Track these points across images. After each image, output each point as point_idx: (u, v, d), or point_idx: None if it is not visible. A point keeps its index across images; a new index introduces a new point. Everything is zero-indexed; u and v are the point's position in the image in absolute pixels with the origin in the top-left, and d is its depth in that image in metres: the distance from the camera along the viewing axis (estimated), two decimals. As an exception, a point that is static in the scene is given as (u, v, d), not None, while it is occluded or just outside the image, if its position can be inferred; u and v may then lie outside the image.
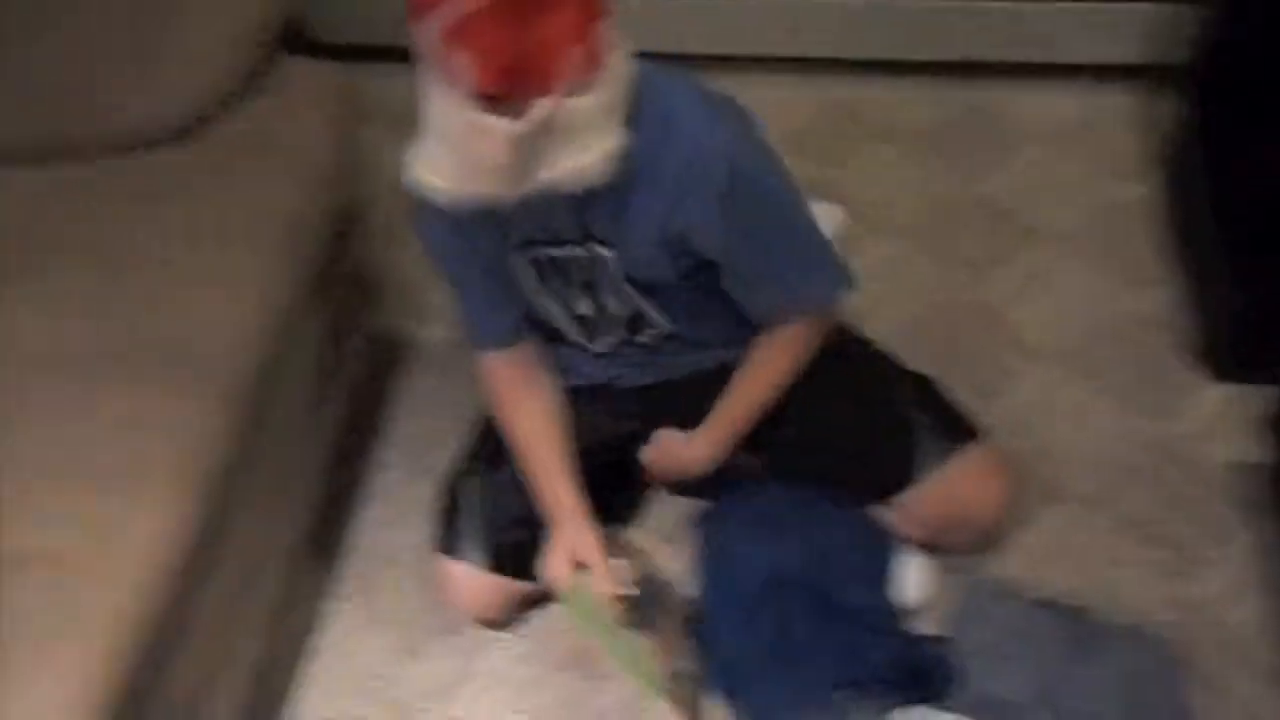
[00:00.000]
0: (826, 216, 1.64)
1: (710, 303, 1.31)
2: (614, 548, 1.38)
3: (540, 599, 1.51)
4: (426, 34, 0.98)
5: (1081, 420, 1.68)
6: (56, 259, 1.37)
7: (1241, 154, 1.71)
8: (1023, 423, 1.67)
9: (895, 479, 1.40)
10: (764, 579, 1.40)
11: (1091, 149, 2.05)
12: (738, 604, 1.40)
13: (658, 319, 1.33)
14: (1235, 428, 1.64)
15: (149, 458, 1.20)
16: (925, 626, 1.43)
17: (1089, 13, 2.03)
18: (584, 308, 1.32)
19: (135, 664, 1.09)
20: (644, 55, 1.13)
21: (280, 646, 1.49)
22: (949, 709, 1.31)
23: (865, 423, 1.43)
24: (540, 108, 0.99)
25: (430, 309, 1.94)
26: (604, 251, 1.23)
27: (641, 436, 1.49)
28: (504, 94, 0.98)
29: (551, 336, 1.41)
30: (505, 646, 1.52)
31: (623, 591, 1.33)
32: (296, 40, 1.67)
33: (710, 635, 1.41)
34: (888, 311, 1.81)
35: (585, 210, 1.18)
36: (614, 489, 1.49)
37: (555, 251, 1.25)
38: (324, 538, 1.65)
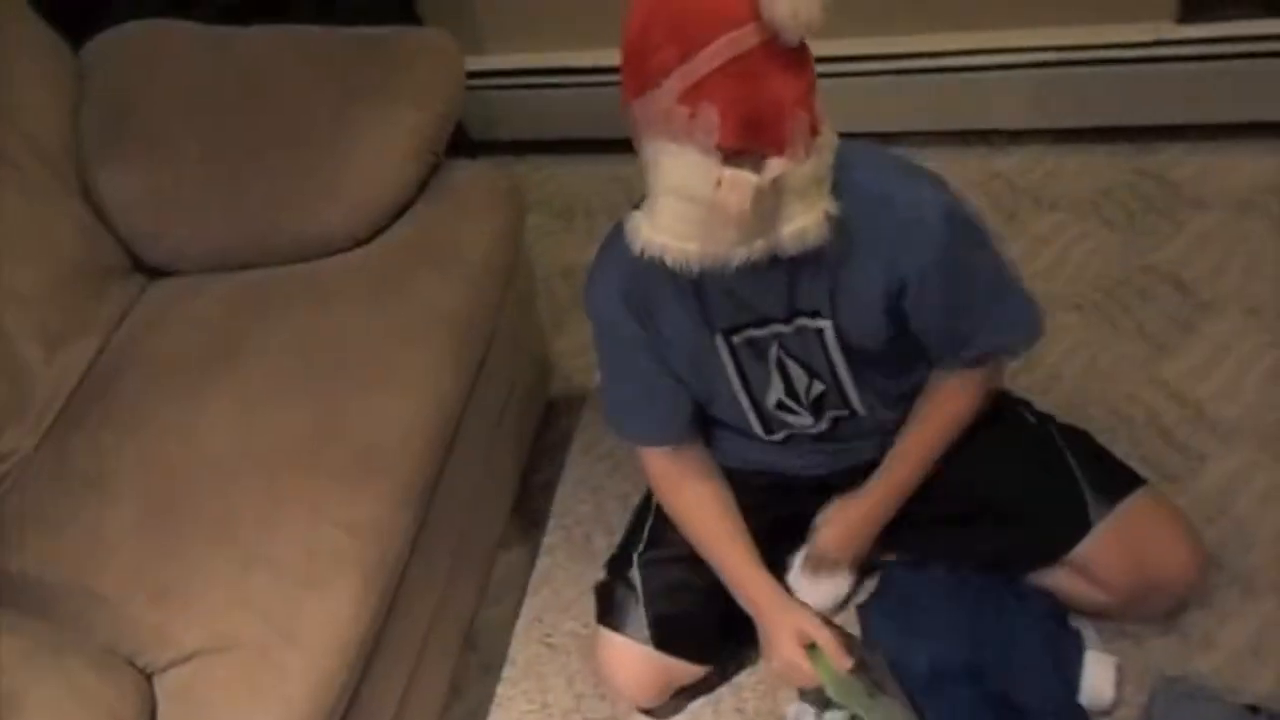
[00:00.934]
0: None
1: (900, 378, 1.35)
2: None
3: (698, 686, 1.50)
4: (660, 99, 1.03)
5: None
6: (248, 359, 1.48)
7: None
8: (1216, 508, 1.57)
9: (1068, 532, 1.36)
10: (925, 675, 1.35)
11: (1278, 213, 1.94)
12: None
13: (851, 395, 1.34)
14: None
15: (330, 551, 1.27)
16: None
17: (1274, 69, 1.93)
18: (774, 394, 1.34)
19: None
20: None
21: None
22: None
23: (1033, 478, 1.40)
24: (775, 165, 1.04)
25: (593, 396, 1.98)
26: (818, 323, 1.26)
27: (802, 520, 1.47)
28: (745, 147, 1.03)
29: (721, 425, 1.42)
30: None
31: (857, 660, 1.32)
32: (461, 141, 1.76)
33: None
34: (1062, 386, 1.75)
35: (799, 283, 1.22)
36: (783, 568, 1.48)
37: (756, 332, 1.28)
38: (492, 622, 1.69)
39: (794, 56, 1.04)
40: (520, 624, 1.70)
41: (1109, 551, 1.35)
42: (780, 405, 1.35)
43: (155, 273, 1.70)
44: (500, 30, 2.33)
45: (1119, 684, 1.37)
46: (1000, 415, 1.43)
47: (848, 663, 1.31)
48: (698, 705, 1.52)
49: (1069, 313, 1.86)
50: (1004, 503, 1.40)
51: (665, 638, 1.43)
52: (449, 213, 1.62)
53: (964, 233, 1.22)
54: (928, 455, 1.37)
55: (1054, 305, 1.88)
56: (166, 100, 1.68)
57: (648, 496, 1.51)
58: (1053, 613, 1.40)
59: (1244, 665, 1.41)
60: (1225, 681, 1.39)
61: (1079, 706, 1.35)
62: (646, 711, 1.52)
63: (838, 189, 1.12)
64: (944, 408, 1.36)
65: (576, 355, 2.05)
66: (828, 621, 1.39)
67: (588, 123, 2.39)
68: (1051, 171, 2.13)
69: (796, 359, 1.30)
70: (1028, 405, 1.49)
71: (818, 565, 1.43)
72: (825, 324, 1.26)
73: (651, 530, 1.49)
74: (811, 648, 1.32)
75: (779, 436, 1.40)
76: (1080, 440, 1.44)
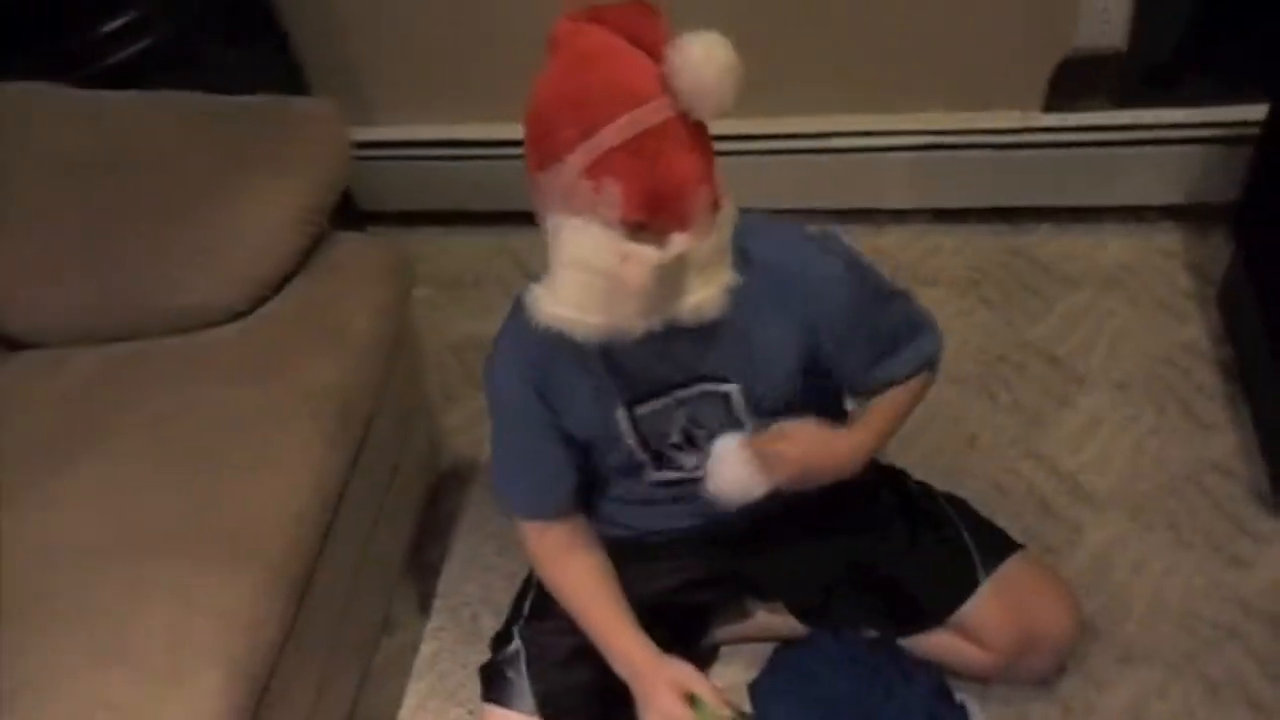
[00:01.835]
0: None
1: None
2: None
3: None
4: (563, 173, 1.03)
5: (1153, 573, 1.61)
6: (114, 437, 1.40)
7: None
8: (1094, 577, 1.61)
9: (957, 593, 1.40)
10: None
11: (1139, 292, 2.03)
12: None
13: None
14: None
15: (195, 642, 1.20)
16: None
17: (1133, 157, 2.04)
18: (678, 459, 1.34)
19: None
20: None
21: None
22: None
23: (923, 541, 1.44)
24: (678, 242, 1.05)
25: (483, 473, 1.94)
26: (723, 388, 1.27)
27: (697, 585, 1.48)
28: (648, 221, 1.04)
29: (609, 494, 1.42)
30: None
31: (739, 710, 1.32)
32: (347, 211, 1.73)
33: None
34: (943, 459, 1.79)
35: (704, 350, 1.23)
36: (669, 644, 1.44)
37: (659, 402, 1.28)
38: (374, 710, 1.62)
39: (697, 132, 1.06)
40: (403, 712, 1.63)
41: (993, 610, 1.39)
42: (674, 446, 1.35)
43: (15, 344, 1.61)
44: (390, 101, 2.32)
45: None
46: (884, 483, 1.48)
47: (728, 713, 1.29)
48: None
49: (949, 386, 1.91)
50: (896, 565, 1.43)
51: (551, 710, 1.40)
52: (332, 286, 1.58)
53: (868, 277, 1.29)
54: (896, 418, 1.37)
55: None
56: (35, 165, 1.60)
57: (530, 572, 1.49)
58: (939, 689, 1.41)
59: (1123, 734, 1.44)
60: (1106, 751, 1.41)
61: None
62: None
63: (743, 258, 1.15)
64: (894, 402, 1.37)
65: (466, 430, 2.01)
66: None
67: (477, 195, 2.38)
68: (931, 249, 2.20)
69: (697, 421, 1.31)
70: (907, 475, 1.54)
71: (759, 453, 1.24)
72: (732, 388, 1.27)
73: (533, 603, 1.47)
74: (691, 699, 1.30)
75: (670, 476, 1.38)
76: (961, 506, 1.49)
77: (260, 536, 1.29)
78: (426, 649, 1.70)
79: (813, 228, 1.31)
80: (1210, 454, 1.75)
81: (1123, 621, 1.56)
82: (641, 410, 1.29)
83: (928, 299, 2.07)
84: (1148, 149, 2.02)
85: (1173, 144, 2.01)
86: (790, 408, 1.30)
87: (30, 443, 1.42)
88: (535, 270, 1.13)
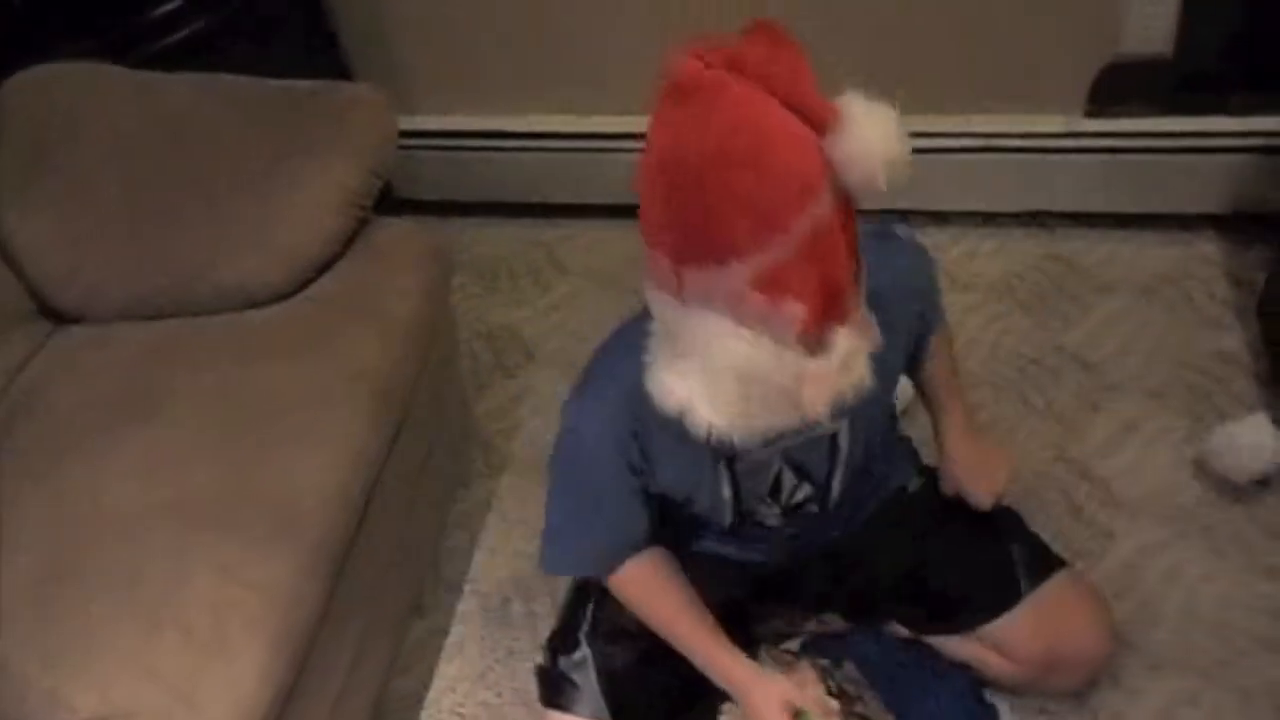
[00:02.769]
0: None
1: (882, 463, 1.41)
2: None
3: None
4: (728, 278, 0.90)
5: (1185, 582, 1.60)
6: (160, 411, 1.42)
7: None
8: (1124, 584, 1.61)
9: (994, 608, 1.38)
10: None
11: (1177, 300, 2.03)
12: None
13: (834, 493, 1.31)
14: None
15: (237, 615, 1.21)
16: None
17: (1176, 164, 2.03)
18: (756, 497, 1.29)
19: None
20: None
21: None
22: None
23: (972, 555, 1.42)
24: (843, 340, 0.95)
25: (514, 460, 1.95)
26: (832, 426, 1.18)
27: (746, 607, 1.47)
28: (824, 332, 0.93)
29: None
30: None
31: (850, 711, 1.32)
32: (385, 198, 1.74)
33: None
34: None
35: None
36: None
37: (761, 454, 1.20)
38: (403, 691, 1.63)
39: (850, 217, 0.94)
40: (431, 694, 1.65)
41: (1024, 626, 1.37)
42: (760, 501, 1.30)
43: (62, 319, 1.63)
44: (430, 91, 2.33)
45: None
46: (936, 493, 1.43)
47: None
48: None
49: (983, 389, 1.91)
50: (942, 573, 1.41)
51: (623, 713, 1.36)
52: (375, 269, 1.60)
53: (917, 240, 1.32)
54: (956, 374, 1.44)
55: (969, 381, 1.92)
56: (88, 143, 1.63)
57: (587, 590, 1.42)
58: (971, 690, 1.41)
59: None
60: (1134, 758, 1.41)
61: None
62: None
63: None
64: (944, 359, 1.41)
65: (497, 419, 2.02)
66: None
67: (513, 186, 2.40)
68: (969, 252, 2.20)
69: (795, 466, 1.26)
70: None
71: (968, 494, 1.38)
72: (840, 425, 1.21)
73: (597, 610, 1.40)
74: (798, 715, 1.28)
75: (748, 531, 1.35)
76: (1014, 520, 1.46)
77: (302, 513, 1.31)
78: (456, 633, 1.72)
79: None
80: (1246, 464, 1.74)
81: (1153, 629, 1.55)
82: (742, 465, 1.23)
83: (964, 303, 2.10)
84: (1191, 157, 2.01)
85: (1217, 153, 1.99)
86: (881, 432, 1.28)
87: (79, 413, 1.44)
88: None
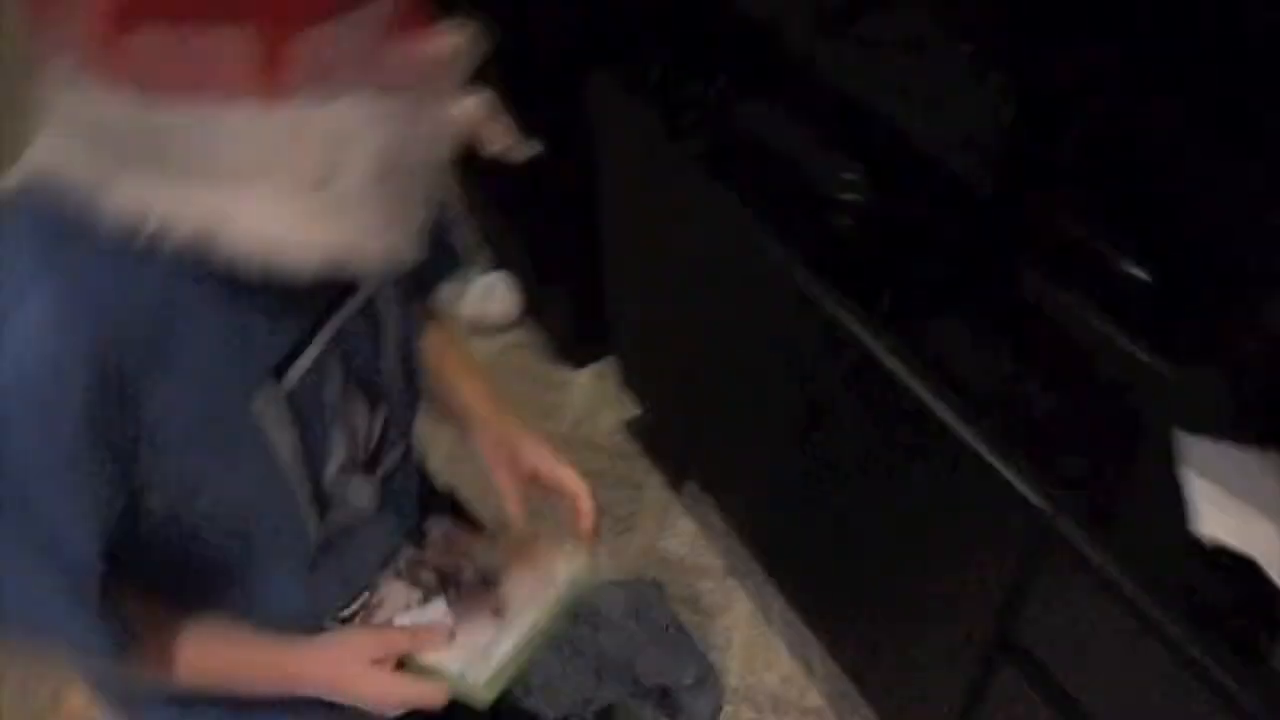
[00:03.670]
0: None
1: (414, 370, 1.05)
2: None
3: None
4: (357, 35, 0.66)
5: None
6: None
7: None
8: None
9: None
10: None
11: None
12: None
13: (408, 396, 1.01)
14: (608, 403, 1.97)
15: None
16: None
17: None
18: (334, 460, 0.91)
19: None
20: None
21: None
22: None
23: None
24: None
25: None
26: (370, 290, 0.89)
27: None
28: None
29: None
30: None
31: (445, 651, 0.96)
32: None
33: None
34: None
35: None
36: None
37: (316, 350, 0.84)
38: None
39: None
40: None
41: None
42: (342, 470, 0.92)
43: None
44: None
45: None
46: None
47: (445, 641, 0.95)
48: None
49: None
50: None
51: None
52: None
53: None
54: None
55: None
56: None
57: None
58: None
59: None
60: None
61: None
62: None
63: None
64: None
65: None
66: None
67: None
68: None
69: (358, 374, 0.91)
70: None
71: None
72: (385, 287, 0.92)
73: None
74: (400, 664, 0.94)
75: (339, 520, 0.95)
76: None
77: None
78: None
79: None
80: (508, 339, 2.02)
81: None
82: (294, 375, 0.83)
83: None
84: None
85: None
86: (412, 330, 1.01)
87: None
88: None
